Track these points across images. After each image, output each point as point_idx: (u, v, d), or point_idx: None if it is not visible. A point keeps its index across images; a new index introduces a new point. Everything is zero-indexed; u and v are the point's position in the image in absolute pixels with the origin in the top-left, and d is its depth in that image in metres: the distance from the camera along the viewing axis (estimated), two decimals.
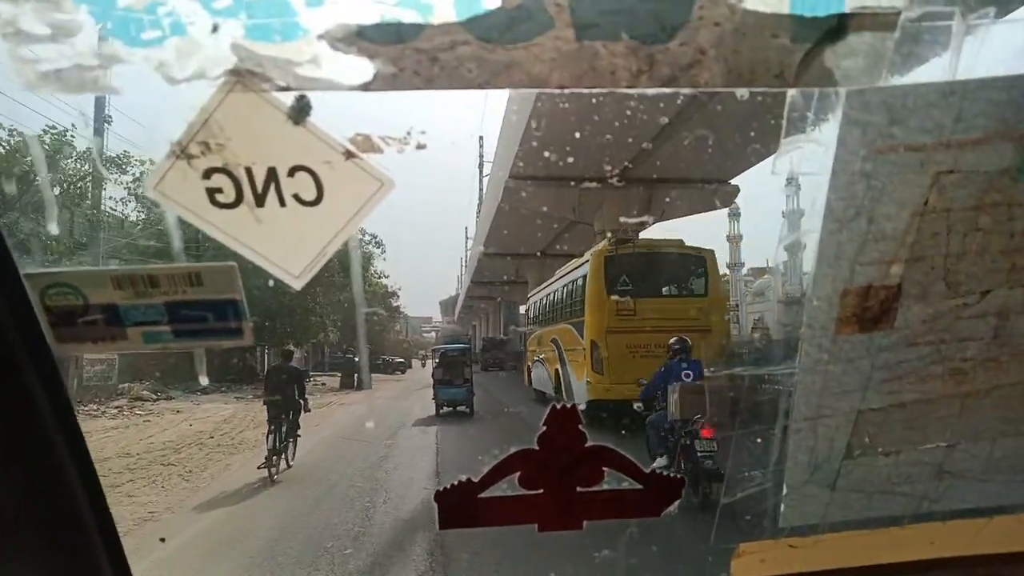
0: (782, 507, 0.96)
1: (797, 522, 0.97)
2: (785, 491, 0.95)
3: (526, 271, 29.10)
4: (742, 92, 0.69)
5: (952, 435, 0.90)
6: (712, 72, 0.66)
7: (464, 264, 55.22)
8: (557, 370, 14.72)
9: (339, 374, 27.55)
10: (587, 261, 13.14)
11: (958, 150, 0.73)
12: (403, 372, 43.02)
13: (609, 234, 13.56)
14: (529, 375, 19.16)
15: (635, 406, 7.57)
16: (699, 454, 5.98)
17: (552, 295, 16.69)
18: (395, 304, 57.69)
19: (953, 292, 0.79)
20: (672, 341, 7.35)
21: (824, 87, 0.69)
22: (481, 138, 40.89)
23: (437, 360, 16.15)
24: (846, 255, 0.76)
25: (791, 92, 0.70)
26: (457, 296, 64.41)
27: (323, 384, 26.09)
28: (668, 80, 0.66)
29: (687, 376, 6.92)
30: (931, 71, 0.70)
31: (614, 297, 12.05)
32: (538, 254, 26.98)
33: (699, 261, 12.88)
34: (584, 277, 13.07)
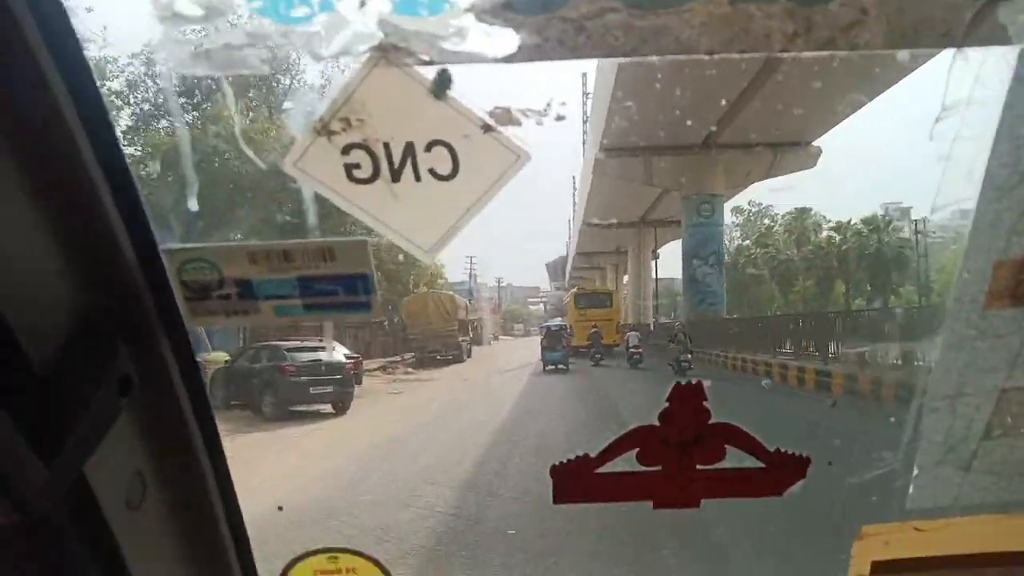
0: (911, 488, 0.93)
1: (926, 504, 0.93)
2: (916, 472, 0.92)
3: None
4: (903, 55, 0.66)
5: None
6: (873, 32, 0.63)
7: (572, 222, 61.19)
8: None
9: None
10: (569, 295, 42.04)
11: None
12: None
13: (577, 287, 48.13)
14: None
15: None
16: (634, 355, 22.70)
17: (562, 305, 48.16)
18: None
19: None
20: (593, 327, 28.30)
21: (993, 45, 0.65)
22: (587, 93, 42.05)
23: (544, 334, 25.73)
24: (1004, 225, 0.72)
25: (956, 52, 0.66)
26: (565, 257, 66.96)
27: None
28: (826, 42, 0.64)
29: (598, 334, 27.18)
30: None
31: (577, 308, 33.82)
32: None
33: (609, 294, 39.02)
34: (567, 300, 41.46)
